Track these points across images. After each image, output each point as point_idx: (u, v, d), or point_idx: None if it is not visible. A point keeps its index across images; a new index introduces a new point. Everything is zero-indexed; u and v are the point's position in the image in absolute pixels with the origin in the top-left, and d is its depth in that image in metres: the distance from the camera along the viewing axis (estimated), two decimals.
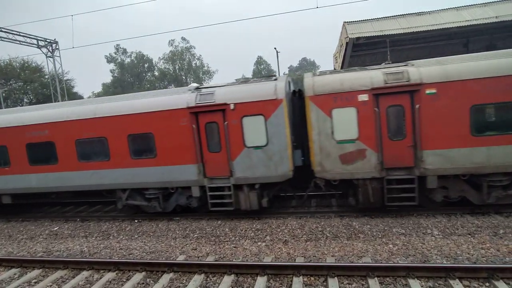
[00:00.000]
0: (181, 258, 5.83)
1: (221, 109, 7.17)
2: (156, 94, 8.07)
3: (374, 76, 6.60)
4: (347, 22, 16.17)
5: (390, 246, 5.63)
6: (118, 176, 7.97)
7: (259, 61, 57.40)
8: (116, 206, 8.73)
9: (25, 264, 6.10)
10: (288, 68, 68.17)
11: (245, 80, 8.21)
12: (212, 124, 7.32)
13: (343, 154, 6.76)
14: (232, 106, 7.06)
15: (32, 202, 10.36)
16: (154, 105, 7.58)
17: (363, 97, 6.53)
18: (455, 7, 15.36)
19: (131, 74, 51.90)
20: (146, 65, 53.03)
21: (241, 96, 7.13)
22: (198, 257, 5.85)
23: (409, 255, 5.23)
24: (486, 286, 4.24)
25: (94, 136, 7.99)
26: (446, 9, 15.52)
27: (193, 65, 52.30)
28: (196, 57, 52.27)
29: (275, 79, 7.34)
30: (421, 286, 4.30)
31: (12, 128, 8.67)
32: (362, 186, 6.91)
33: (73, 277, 5.50)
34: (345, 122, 6.67)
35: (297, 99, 7.64)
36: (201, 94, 7.41)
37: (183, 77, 51.43)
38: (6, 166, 8.93)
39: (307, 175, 7.34)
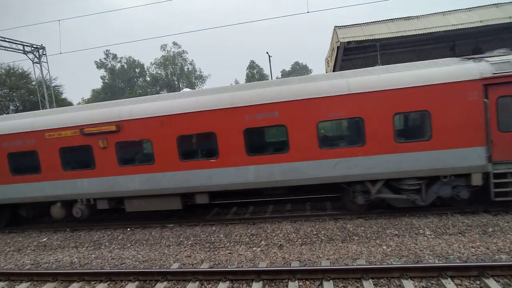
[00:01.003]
0: (175, 266, 5.74)
1: None
2: (425, 65, 6.94)
3: None
4: (338, 26, 16.43)
5: (384, 247, 5.69)
6: (375, 164, 6.76)
7: (252, 65, 57.73)
8: (347, 201, 7.56)
9: (12, 277, 5.89)
10: (281, 72, 68.86)
11: None
12: (507, 98, 6.39)
13: None
14: None
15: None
16: (431, 77, 6.50)
17: None
18: (442, 12, 15.81)
19: (122, 80, 51.45)
20: (137, 70, 52.71)
21: None
22: (193, 265, 5.77)
23: (403, 255, 5.30)
24: (477, 284, 4.32)
25: (344, 116, 6.78)
26: (433, 13, 15.97)
27: (186, 70, 52.26)
28: (189, 62, 52.30)
29: None
30: (415, 286, 4.35)
31: (223, 111, 7.10)
32: None
33: None
34: None
35: None
36: (492, 63, 6.42)
37: (176, 82, 51.29)
38: (212, 157, 7.29)
39: None
